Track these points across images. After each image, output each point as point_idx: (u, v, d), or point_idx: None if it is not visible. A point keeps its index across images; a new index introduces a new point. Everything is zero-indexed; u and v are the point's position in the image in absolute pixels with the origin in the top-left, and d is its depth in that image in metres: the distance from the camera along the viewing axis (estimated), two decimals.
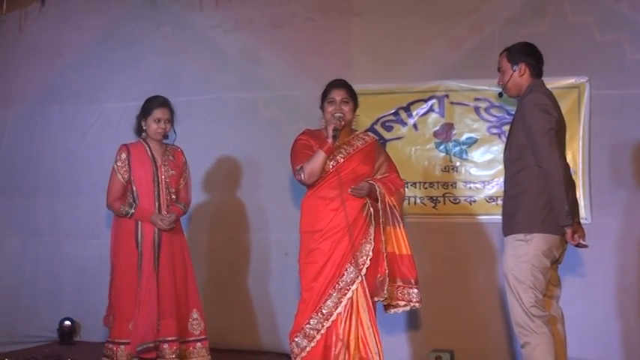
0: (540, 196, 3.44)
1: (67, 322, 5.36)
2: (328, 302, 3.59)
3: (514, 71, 3.63)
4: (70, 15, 5.74)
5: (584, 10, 4.65)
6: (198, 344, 4.19)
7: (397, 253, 3.72)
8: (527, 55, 3.64)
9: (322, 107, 3.88)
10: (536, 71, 3.65)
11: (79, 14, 5.71)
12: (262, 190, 5.21)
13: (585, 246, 3.55)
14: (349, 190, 3.68)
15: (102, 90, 5.59)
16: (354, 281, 3.60)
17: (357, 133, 3.97)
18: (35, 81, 5.74)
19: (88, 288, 5.31)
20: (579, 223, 3.62)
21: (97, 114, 5.58)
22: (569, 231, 3.39)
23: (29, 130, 5.70)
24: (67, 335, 5.36)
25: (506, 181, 3.69)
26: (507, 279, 3.50)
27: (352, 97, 3.87)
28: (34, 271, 5.59)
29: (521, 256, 3.44)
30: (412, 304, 3.71)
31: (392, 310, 3.76)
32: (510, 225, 3.54)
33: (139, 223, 4.10)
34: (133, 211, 4.10)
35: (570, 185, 3.51)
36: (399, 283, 3.72)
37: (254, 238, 5.20)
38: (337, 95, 3.81)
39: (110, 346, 4.08)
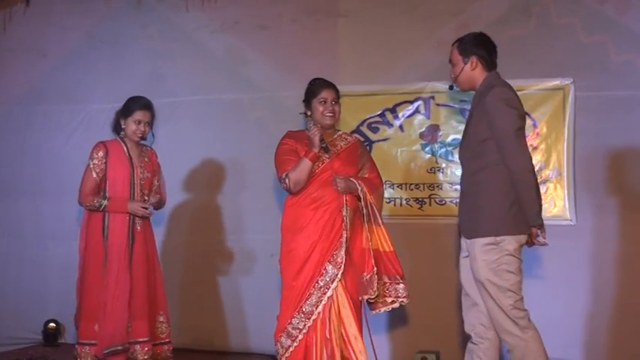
0: (506, 196, 3.27)
1: (52, 324, 5.35)
2: (309, 301, 3.58)
3: (465, 64, 3.46)
4: (54, 15, 5.71)
5: (570, 11, 4.67)
6: (165, 347, 4.13)
7: (381, 250, 3.71)
8: (479, 47, 3.45)
9: (309, 105, 3.84)
10: (489, 64, 3.45)
11: (64, 15, 5.68)
12: (248, 192, 5.19)
13: (545, 244, 3.36)
14: (333, 177, 3.66)
15: (87, 91, 5.56)
16: (334, 279, 3.59)
17: (340, 133, 3.97)
18: (20, 82, 5.70)
19: (73, 290, 5.13)
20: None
21: (82, 115, 5.56)
22: (536, 230, 3.27)
23: (13, 131, 5.67)
24: (51, 337, 5.35)
25: (463, 180, 3.49)
26: (483, 285, 3.32)
27: (339, 97, 3.88)
28: (19, 272, 5.56)
29: (495, 260, 3.28)
30: (400, 300, 3.69)
31: (379, 309, 3.72)
32: (474, 228, 3.36)
33: (107, 220, 4.00)
34: (106, 202, 3.98)
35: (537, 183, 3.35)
36: (386, 280, 3.69)
37: (239, 239, 5.18)
38: (329, 95, 3.80)
39: (77, 346, 3.99)
